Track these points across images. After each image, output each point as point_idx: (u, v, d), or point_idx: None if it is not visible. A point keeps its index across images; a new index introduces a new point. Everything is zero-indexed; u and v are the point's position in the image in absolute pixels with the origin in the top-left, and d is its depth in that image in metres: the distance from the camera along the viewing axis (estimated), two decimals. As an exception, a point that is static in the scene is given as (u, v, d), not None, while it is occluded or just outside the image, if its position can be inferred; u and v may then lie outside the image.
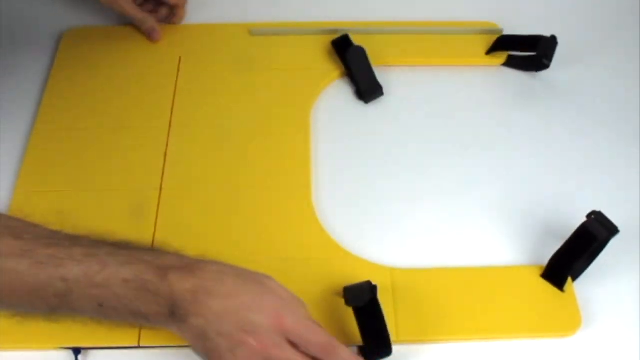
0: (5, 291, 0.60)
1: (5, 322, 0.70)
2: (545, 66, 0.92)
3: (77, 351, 0.69)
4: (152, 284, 0.60)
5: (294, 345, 0.62)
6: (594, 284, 0.74)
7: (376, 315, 0.67)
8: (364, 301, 0.67)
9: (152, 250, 0.66)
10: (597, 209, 0.72)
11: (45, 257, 0.60)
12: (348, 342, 0.69)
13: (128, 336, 0.70)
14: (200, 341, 0.61)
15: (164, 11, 0.97)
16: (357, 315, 0.67)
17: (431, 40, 0.96)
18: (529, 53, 0.93)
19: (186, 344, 0.69)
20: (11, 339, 0.70)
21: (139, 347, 0.70)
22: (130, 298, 0.60)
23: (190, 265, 0.62)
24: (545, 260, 0.74)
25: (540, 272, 0.75)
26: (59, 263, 0.60)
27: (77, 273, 0.59)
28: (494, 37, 0.95)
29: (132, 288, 0.60)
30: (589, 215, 0.71)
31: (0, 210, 0.78)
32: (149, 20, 0.95)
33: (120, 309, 0.61)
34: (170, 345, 0.70)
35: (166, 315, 0.61)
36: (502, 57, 0.95)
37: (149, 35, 0.95)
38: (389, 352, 0.68)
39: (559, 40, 0.91)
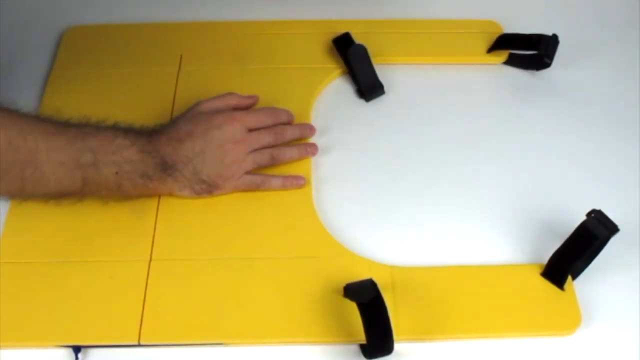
0: (53, 163, 0.71)
1: (6, 320, 0.70)
2: (547, 65, 0.92)
3: (77, 349, 0.69)
4: (146, 147, 0.75)
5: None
6: (594, 282, 0.74)
7: (381, 311, 0.67)
8: (368, 297, 0.67)
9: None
10: (597, 208, 0.72)
11: (74, 133, 0.73)
12: (349, 340, 0.70)
13: (128, 334, 0.70)
14: (193, 176, 0.76)
15: None
16: (362, 311, 0.67)
17: (432, 39, 0.96)
18: (530, 52, 0.93)
19: (186, 343, 0.70)
20: (12, 337, 0.70)
21: (139, 345, 0.70)
22: (136, 160, 0.74)
23: (162, 130, 0.78)
24: (545, 258, 0.74)
25: (540, 270, 0.75)
26: (83, 137, 0.73)
27: (97, 144, 0.73)
28: (495, 36, 0.95)
29: (136, 151, 0.74)
30: (589, 214, 0.71)
31: None
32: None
33: (131, 172, 0.74)
34: (170, 343, 0.70)
35: (161, 170, 0.75)
36: (503, 55, 0.95)
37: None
38: (391, 349, 0.68)
39: (560, 39, 0.91)
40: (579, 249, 0.72)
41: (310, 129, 0.86)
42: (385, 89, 0.91)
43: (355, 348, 0.70)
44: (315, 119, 0.88)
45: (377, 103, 0.91)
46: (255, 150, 0.80)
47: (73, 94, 0.90)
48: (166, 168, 0.75)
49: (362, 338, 0.68)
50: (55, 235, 0.77)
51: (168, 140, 0.76)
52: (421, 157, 0.85)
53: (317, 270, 0.75)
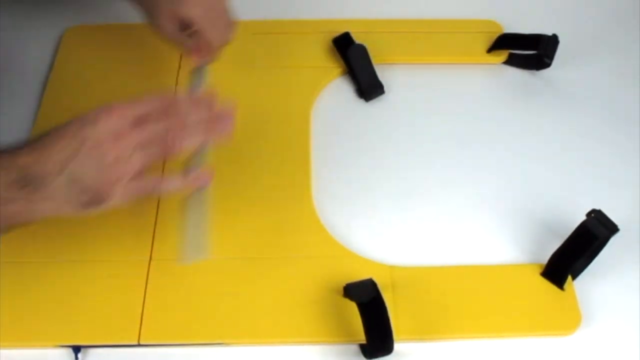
0: None
1: (6, 320, 0.70)
2: (546, 65, 0.92)
3: (76, 349, 0.69)
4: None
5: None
6: (593, 282, 0.74)
7: (381, 311, 0.67)
8: (368, 297, 0.67)
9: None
10: (597, 208, 0.72)
11: None
12: (349, 340, 0.70)
13: (128, 334, 0.70)
14: (72, 186, 0.61)
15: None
16: (362, 311, 0.67)
17: (432, 38, 0.96)
18: (530, 51, 0.93)
19: (186, 343, 0.70)
20: (11, 337, 0.70)
21: (138, 345, 0.70)
22: None
23: (27, 140, 0.63)
24: (545, 258, 0.74)
25: (540, 270, 0.75)
26: None
27: None
28: (495, 35, 0.95)
29: None
30: (589, 214, 0.71)
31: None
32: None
33: None
34: (170, 343, 0.70)
35: (20, 187, 0.60)
36: (503, 55, 0.95)
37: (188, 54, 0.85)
38: (391, 349, 0.68)
39: (560, 39, 0.91)
40: (579, 249, 0.72)
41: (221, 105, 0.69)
42: (385, 88, 0.91)
43: (355, 348, 0.70)
44: (315, 119, 0.88)
45: (377, 103, 0.91)
46: (144, 145, 0.64)
47: (73, 93, 0.90)
48: (28, 183, 0.60)
49: (362, 338, 0.68)
50: (55, 235, 0.77)
51: (30, 150, 0.61)
52: (421, 156, 0.85)
53: (318, 270, 0.75)
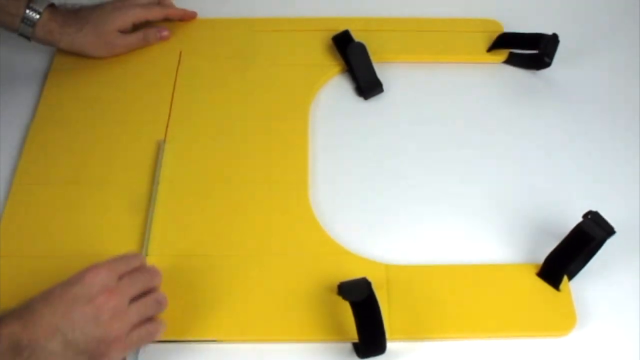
0: None
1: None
2: (547, 64, 0.91)
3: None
4: None
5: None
6: (589, 283, 0.74)
7: (374, 311, 0.67)
8: (362, 296, 0.67)
9: None
10: (595, 209, 0.72)
11: None
12: (342, 338, 0.70)
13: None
14: (68, 349, 0.60)
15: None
16: (355, 310, 0.67)
17: (432, 37, 0.96)
18: (531, 51, 0.92)
19: (179, 339, 0.70)
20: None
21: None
22: None
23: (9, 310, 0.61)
24: (541, 258, 0.74)
25: (536, 270, 0.74)
26: None
27: None
28: (496, 35, 0.95)
29: None
30: (585, 215, 0.71)
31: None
32: (150, 33, 0.94)
33: None
34: (165, 340, 0.70)
35: (11, 358, 0.58)
36: (504, 54, 0.95)
37: (161, 39, 0.95)
38: (383, 348, 0.68)
39: (560, 39, 0.91)
40: (575, 250, 0.72)
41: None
42: (384, 87, 0.91)
43: (348, 347, 0.70)
44: (313, 116, 0.88)
45: (375, 101, 0.91)
46: (134, 298, 0.65)
47: (72, 89, 0.90)
48: (20, 351, 0.58)
49: (355, 337, 0.68)
50: (53, 230, 0.77)
51: (15, 317, 0.59)
52: (419, 155, 0.85)
53: (313, 268, 0.75)
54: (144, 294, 0.66)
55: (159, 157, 0.83)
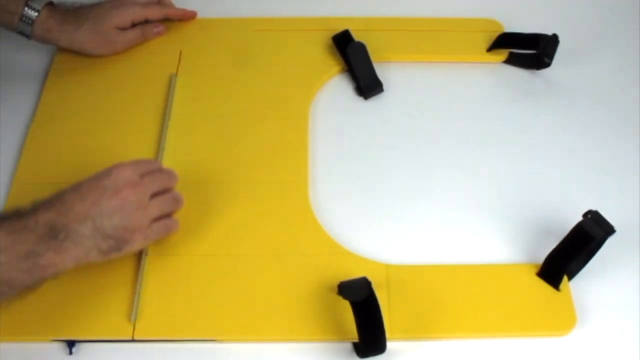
0: None
1: (1, 315, 0.70)
2: (546, 64, 0.91)
3: (71, 344, 0.70)
4: (15, 225, 0.64)
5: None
6: (589, 283, 0.74)
7: (374, 311, 0.67)
8: (362, 295, 0.67)
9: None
10: (595, 208, 0.71)
11: None
12: (342, 338, 0.70)
13: (122, 329, 0.70)
14: (97, 233, 0.67)
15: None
16: (355, 309, 0.67)
17: (432, 37, 0.96)
18: (530, 51, 0.92)
19: (180, 339, 0.70)
20: (6, 331, 0.70)
21: (132, 340, 0.70)
22: (7, 244, 0.63)
23: (41, 200, 0.67)
24: (541, 258, 0.74)
25: (536, 270, 0.74)
26: None
27: None
28: (496, 34, 0.95)
29: (3, 236, 0.63)
30: (585, 215, 0.71)
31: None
32: (148, 29, 0.94)
33: (9, 260, 0.62)
34: (164, 339, 0.70)
35: (50, 239, 0.64)
36: (504, 54, 0.95)
37: (158, 35, 0.95)
38: (384, 348, 0.68)
39: (560, 39, 0.91)
40: (575, 249, 0.72)
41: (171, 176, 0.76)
42: (384, 87, 0.91)
43: (348, 346, 0.70)
44: (313, 116, 0.88)
45: (375, 101, 0.91)
46: (155, 194, 0.72)
47: (72, 88, 0.91)
48: (56, 234, 0.65)
49: (355, 336, 0.68)
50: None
51: (48, 207, 0.66)
52: (419, 155, 0.85)
53: (313, 268, 0.75)
54: (163, 193, 0.73)
55: (158, 157, 0.83)
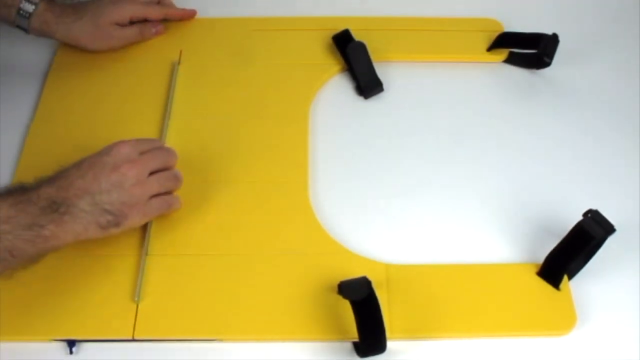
0: None
1: (2, 314, 0.70)
2: (547, 64, 0.91)
3: (71, 343, 0.70)
4: (20, 198, 0.66)
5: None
6: (589, 282, 0.74)
7: (374, 310, 0.67)
8: (362, 295, 0.67)
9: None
10: (595, 207, 0.71)
11: None
12: (343, 337, 0.70)
13: (123, 329, 0.70)
14: (95, 208, 0.68)
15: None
16: (355, 309, 0.67)
17: (432, 37, 0.96)
18: (530, 50, 0.92)
19: (180, 338, 0.70)
20: (7, 331, 0.70)
21: (133, 340, 0.70)
22: (12, 215, 0.65)
23: (45, 176, 0.70)
24: (541, 258, 0.74)
25: (536, 269, 0.74)
26: None
27: None
28: (496, 34, 0.95)
29: (8, 207, 0.65)
30: (585, 214, 0.71)
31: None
32: (146, 27, 0.94)
33: (13, 230, 0.65)
34: (164, 338, 0.70)
35: (52, 212, 0.66)
36: (504, 54, 0.95)
37: (156, 34, 0.95)
38: (384, 347, 0.68)
39: (560, 39, 0.91)
40: (575, 248, 0.72)
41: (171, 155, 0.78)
42: (384, 86, 0.91)
43: (349, 346, 0.70)
44: (313, 116, 0.88)
45: (375, 100, 0.91)
46: (154, 171, 0.74)
47: (72, 86, 0.91)
48: (57, 207, 0.67)
49: (356, 336, 0.68)
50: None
51: (50, 182, 0.68)
52: (419, 155, 0.85)
53: (313, 267, 0.74)
54: (162, 170, 0.74)
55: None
